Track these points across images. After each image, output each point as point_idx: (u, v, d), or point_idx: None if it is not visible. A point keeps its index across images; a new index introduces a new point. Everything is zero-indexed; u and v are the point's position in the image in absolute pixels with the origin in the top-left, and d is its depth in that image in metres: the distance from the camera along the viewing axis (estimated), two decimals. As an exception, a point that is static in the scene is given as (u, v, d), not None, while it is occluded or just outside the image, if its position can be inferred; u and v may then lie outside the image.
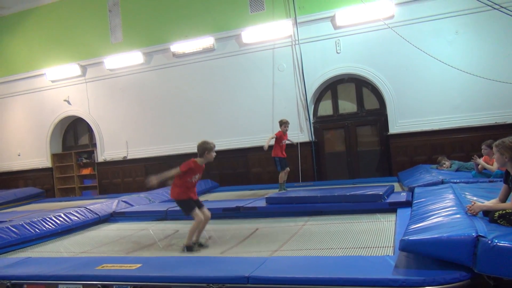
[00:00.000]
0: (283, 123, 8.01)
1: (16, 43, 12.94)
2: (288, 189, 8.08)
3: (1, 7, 13.02)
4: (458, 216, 3.44)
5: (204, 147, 4.68)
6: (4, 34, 13.08)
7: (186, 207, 4.62)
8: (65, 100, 12.26)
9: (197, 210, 4.58)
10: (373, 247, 3.95)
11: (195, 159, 4.70)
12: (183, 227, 5.98)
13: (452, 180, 6.13)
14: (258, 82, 10.23)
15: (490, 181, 5.88)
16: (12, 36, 12.99)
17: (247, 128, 10.29)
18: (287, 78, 9.96)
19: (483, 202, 3.63)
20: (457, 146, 8.73)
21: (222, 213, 6.36)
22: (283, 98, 9.99)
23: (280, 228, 5.32)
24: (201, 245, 4.67)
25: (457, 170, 7.30)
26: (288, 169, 8.17)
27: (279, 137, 7.99)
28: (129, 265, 3.60)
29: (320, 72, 9.74)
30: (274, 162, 8.10)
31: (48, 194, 12.33)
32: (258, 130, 10.16)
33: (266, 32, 10.01)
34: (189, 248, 4.54)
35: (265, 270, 3.15)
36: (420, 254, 2.99)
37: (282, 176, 8.08)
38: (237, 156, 10.45)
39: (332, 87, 10.10)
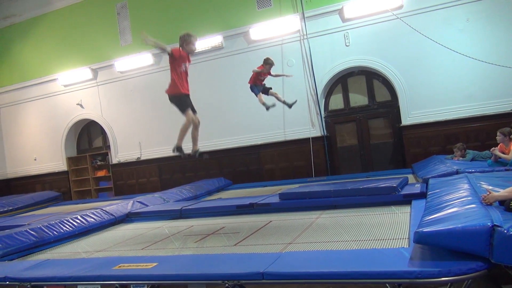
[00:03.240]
0: (268, 63, 7.61)
1: (28, 50, 13.15)
2: (301, 184, 8.06)
3: (12, 14, 13.24)
4: (473, 206, 3.40)
5: (183, 39, 4.89)
6: (17, 41, 13.30)
7: (179, 103, 4.75)
8: (77, 104, 12.43)
9: (190, 111, 4.75)
10: (388, 239, 3.93)
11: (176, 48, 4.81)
12: (198, 224, 6.04)
13: (467, 170, 6.04)
14: (268, 78, 10.18)
15: (506, 170, 5.80)
16: (24, 43, 13.20)
17: (258, 125, 10.29)
18: (297, 73, 9.92)
19: (498, 191, 3.57)
20: (471, 135, 8.60)
21: (236, 210, 6.39)
22: (293, 93, 9.94)
23: (293, 221, 5.33)
24: (201, 154, 5.03)
25: (472, 160, 7.20)
26: (273, 91, 7.91)
27: (256, 73, 7.67)
28: (145, 264, 3.65)
29: (329, 66, 9.69)
30: (251, 89, 7.83)
31: (65, 197, 12.54)
32: (269, 127, 10.16)
33: (274, 28, 9.99)
34: (178, 148, 5.02)
35: (279, 265, 3.16)
36: (435, 245, 2.96)
37: (261, 98, 7.77)
38: (250, 153, 10.47)
39: (342, 81, 10.04)
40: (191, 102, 4.95)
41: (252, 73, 7.74)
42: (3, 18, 13.41)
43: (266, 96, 7.90)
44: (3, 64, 13.57)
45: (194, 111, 4.91)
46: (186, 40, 4.77)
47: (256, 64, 10.23)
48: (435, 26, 8.72)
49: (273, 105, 7.86)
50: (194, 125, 4.77)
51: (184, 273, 3.35)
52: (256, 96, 7.84)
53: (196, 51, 5.17)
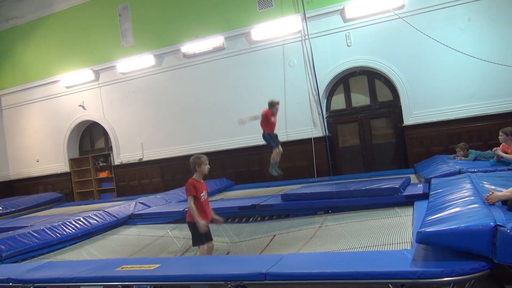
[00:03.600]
0: (274, 105, 7.64)
1: (31, 51, 13.18)
2: (304, 184, 8.05)
3: (14, 16, 13.28)
4: (476, 206, 3.39)
5: (194, 162, 4.66)
6: (19, 43, 13.33)
7: (195, 235, 4.47)
8: (80, 105, 12.45)
9: (204, 246, 4.48)
10: (391, 244, 3.91)
11: (192, 178, 4.66)
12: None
13: (469, 170, 6.02)
14: (269, 78, 10.22)
15: (509, 169, 5.78)
16: (26, 45, 13.24)
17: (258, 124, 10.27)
18: (299, 74, 9.92)
19: (501, 191, 3.56)
20: (474, 135, 8.58)
21: (238, 211, 6.39)
22: (295, 94, 9.96)
23: (296, 233, 5.24)
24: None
25: (474, 160, 7.18)
26: (281, 149, 7.86)
27: (265, 116, 7.61)
28: (148, 265, 3.65)
29: (331, 66, 9.68)
30: (263, 137, 7.79)
31: (67, 198, 12.55)
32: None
33: (275, 29, 9.99)
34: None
35: (282, 266, 3.16)
36: (437, 245, 2.96)
37: (274, 156, 7.78)
38: (252, 154, 10.46)
39: (344, 81, 10.03)
40: (209, 231, 4.73)
41: (261, 121, 7.69)
42: (5, 20, 13.45)
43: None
44: (6, 66, 13.61)
45: (210, 238, 4.64)
46: (197, 163, 4.61)
47: (259, 64, 10.32)
48: (437, 26, 8.71)
49: (280, 174, 8.12)
50: (208, 252, 4.58)
51: (186, 273, 3.35)
52: (273, 147, 7.80)
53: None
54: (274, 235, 5.37)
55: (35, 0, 12.88)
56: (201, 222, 4.37)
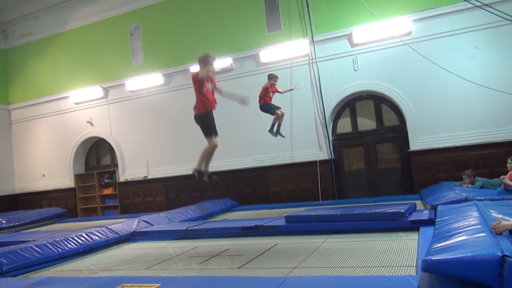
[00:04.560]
0: (272, 77, 7.74)
1: (42, 68, 13.42)
2: (308, 207, 7.99)
3: (28, 33, 13.58)
4: (482, 234, 3.34)
5: (202, 59, 5.02)
6: (32, 59, 13.60)
7: (206, 125, 4.64)
8: (88, 122, 12.58)
9: (213, 139, 4.70)
10: (395, 266, 3.86)
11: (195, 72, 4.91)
12: (203, 245, 5.99)
13: (476, 198, 5.97)
14: (276, 100, 10.22)
15: (516, 198, 5.72)
16: (38, 61, 13.49)
17: (266, 146, 10.31)
18: (305, 96, 9.99)
19: (508, 220, 3.51)
20: (481, 162, 8.52)
21: (241, 232, 6.34)
22: (301, 116, 10.00)
23: (299, 245, 5.27)
24: (210, 177, 5.07)
25: (481, 187, 7.11)
26: (283, 111, 7.84)
27: (264, 89, 7.74)
28: (148, 284, 3.61)
29: (338, 90, 9.74)
30: (261, 109, 7.86)
31: (71, 214, 12.54)
32: (277, 149, 10.17)
33: (283, 52, 10.12)
34: (199, 172, 5.02)
35: (284, 290, 3.11)
36: (443, 274, 2.90)
37: (277, 117, 7.80)
38: (257, 175, 10.45)
39: (350, 105, 10.07)
40: (214, 125, 4.93)
41: (261, 91, 7.80)
42: (19, 37, 13.76)
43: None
44: (17, 81, 13.85)
45: (216, 134, 4.88)
46: (204, 61, 4.81)
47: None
48: (444, 53, 8.78)
49: (282, 136, 7.97)
50: (214, 148, 4.79)
51: (187, 295, 3.30)
52: (273, 114, 7.85)
53: (215, 70, 5.38)
54: (276, 244, 5.36)
55: (49, 18, 13.19)
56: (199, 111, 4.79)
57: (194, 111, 5.28)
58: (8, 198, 13.46)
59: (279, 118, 7.87)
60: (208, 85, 5.17)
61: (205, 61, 4.78)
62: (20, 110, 13.74)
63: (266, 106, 7.78)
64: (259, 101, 7.86)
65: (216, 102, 5.29)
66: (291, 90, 8.74)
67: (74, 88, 12.75)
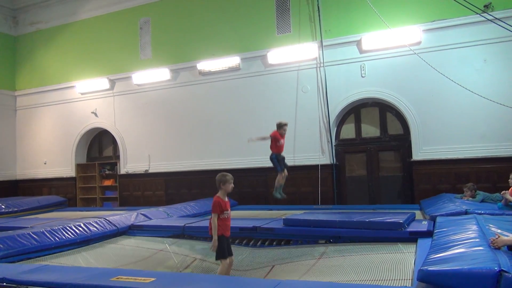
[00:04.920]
0: (282, 126, 7.55)
1: (51, 56, 13.46)
2: (307, 211, 7.98)
3: (39, 21, 13.63)
4: (480, 248, 3.33)
5: (220, 180, 4.71)
6: (40, 47, 13.64)
7: (220, 247, 4.52)
8: (92, 112, 12.60)
9: (227, 260, 4.53)
10: (391, 280, 3.84)
11: (217, 196, 4.71)
12: (200, 242, 5.99)
13: (476, 211, 5.95)
14: (282, 102, 10.28)
15: (516, 214, 5.69)
16: (47, 49, 13.53)
17: (268, 148, 10.24)
18: (311, 100, 9.97)
19: (508, 236, 3.50)
20: (483, 176, 8.49)
21: (238, 232, 6.33)
22: (305, 120, 9.99)
23: (297, 262, 5.12)
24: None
25: (482, 201, 7.08)
26: (286, 172, 7.74)
27: (273, 137, 7.53)
28: (143, 278, 3.61)
29: (344, 95, 9.73)
30: (270, 160, 7.64)
31: (70, 203, 12.57)
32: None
33: (291, 54, 10.11)
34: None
35: (278, 292, 3.10)
36: (439, 285, 2.89)
37: (279, 179, 7.69)
38: (257, 175, 10.44)
39: (355, 111, 10.05)
40: (229, 243, 4.83)
41: (271, 142, 7.58)
42: (29, 24, 13.80)
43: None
44: (25, 68, 13.89)
45: (231, 253, 4.74)
46: (222, 181, 4.73)
47: (272, 87, 10.41)
48: (452, 64, 8.75)
49: (284, 197, 7.86)
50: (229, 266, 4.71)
51: (181, 291, 3.30)
52: (279, 171, 7.66)
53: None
54: (273, 266, 5.23)
55: (60, 8, 13.23)
56: (215, 245, 4.46)
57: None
58: (9, 183, 13.50)
59: (281, 180, 7.75)
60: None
61: (220, 180, 4.75)
62: (26, 97, 13.78)
63: (276, 160, 7.59)
64: (271, 149, 7.59)
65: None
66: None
67: (80, 79, 12.78)
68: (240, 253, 5.59)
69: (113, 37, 12.43)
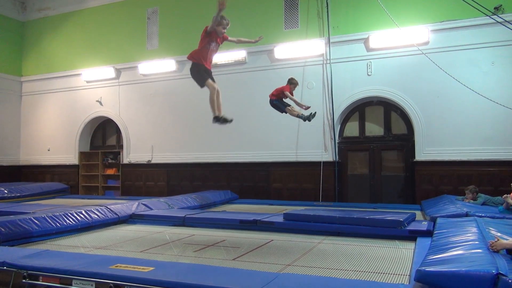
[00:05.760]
0: (293, 83, 7.91)
1: (57, 43, 13.48)
2: (308, 207, 8.00)
3: (47, 7, 13.64)
4: (479, 251, 3.33)
5: (215, 20, 5.27)
6: (47, 34, 13.66)
7: (198, 75, 5.05)
8: (97, 101, 12.63)
9: (209, 80, 4.99)
10: (388, 274, 3.86)
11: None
12: (199, 233, 6.03)
13: (477, 214, 5.95)
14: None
15: (517, 218, 5.68)
16: (54, 36, 13.55)
17: (272, 143, 10.31)
18: (316, 97, 9.96)
19: (507, 240, 3.50)
20: (485, 179, 8.47)
21: (239, 225, 6.36)
22: (309, 116, 9.96)
23: (295, 243, 5.29)
24: (225, 120, 5.48)
25: (483, 204, 7.07)
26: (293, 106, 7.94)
27: (281, 90, 7.83)
28: (142, 267, 3.64)
29: (349, 93, 9.70)
30: (275, 106, 7.92)
31: (72, 190, 12.65)
32: (282, 146, 10.17)
33: (298, 50, 10.08)
34: (216, 118, 5.54)
35: (275, 285, 3.12)
36: (436, 286, 2.90)
37: (290, 109, 7.89)
38: (259, 170, 10.46)
39: (360, 109, 10.03)
40: (210, 73, 5.33)
41: (278, 89, 7.88)
42: (38, 10, 13.81)
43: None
44: (31, 54, 13.92)
45: (213, 80, 5.28)
46: (218, 21, 5.05)
47: (277, 82, 10.35)
48: (460, 66, 8.70)
49: (313, 114, 7.85)
50: (217, 92, 5.22)
51: (179, 281, 3.32)
52: (282, 111, 7.97)
53: (223, 32, 5.62)
54: (271, 240, 5.40)
55: (68, -6, 13.24)
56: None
57: (190, 54, 5.89)
58: (12, 168, 13.59)
59: (294, 110, 7.94)
60: (212, 45, 5.63)
61: (218, 20, 4.98)
62: (31, 83, 13.82)
63: (278, 103, 7.86)
64: (272, 96, 7.88)
65: (211, 65, 5.72)
66: (304, 107, 8.12)
67: (86, 67, 12.80)
68: (241, 234, 5.70)
69: (120, 26, 12.43)
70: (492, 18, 7.89)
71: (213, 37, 5.40)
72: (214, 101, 5.53)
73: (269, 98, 7.99)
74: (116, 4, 12.54)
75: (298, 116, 7.93)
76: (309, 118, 7.86)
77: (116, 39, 12.47)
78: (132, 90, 12.23)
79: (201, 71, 5.08)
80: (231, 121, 5.73)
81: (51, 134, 13.38)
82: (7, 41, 13.65)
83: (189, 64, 11.31)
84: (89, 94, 12.83)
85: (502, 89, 8.42)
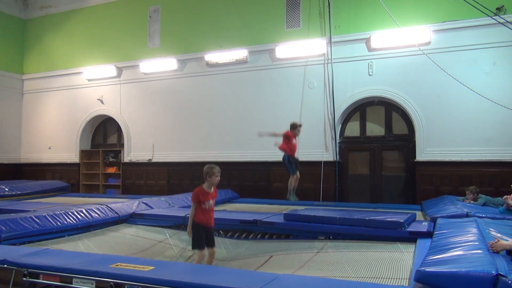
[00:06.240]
0: (296, 127, 7.59)
1: (59, 41, 13.49)
2: (308, 207, 8.00)
3: (49, 5, 13.64)
4: (479, 251, 3.33)
5: (206, 172, 4.66)
6: (49, 31, 13.66)
7: (196, 236, 4.51)
8: (98, 99, 12.64)
9: (203, 251, 4.51)
10: (389, 278, 3.85)
11: (201, 186, 4.68)
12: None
13: (477, 214, 5.94)
14: (288, 97, 10.26)
15: (518, 219, 5.67)
16: (55, 34, 13.55)
17: (272, 142, 10.24)
18: (317, 96, 9.95)
19: (507, 240, 3.50)
20: (485, 180, 8.46)
21: (239, 225, 6.36)
22: (311, 116, 9.96)
23: (295, 255, 5.18)
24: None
25: (483, 205, 7.06)
26: (298, 175, 7.73)
27: (286, 137, 7.54)
28: (142, 266, 3.64)
29: (350, 93, 9.69)
30: (283, 161, 7.63)
31: (73, 188, 12.65)
32: (283, 145, 10.14)
33: (299, 49, 10.07)
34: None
35: (275, 285, 3.12)
36: (436, 287, 2.90)
37: (292, 181, 7.70)
38: (260, 169, 10.46)
39: (361, 109, 10.02)
40: (211, 234, 4.78)
41: (283, 140, 7.54)
42: (39, 8, 13.82)
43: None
44: (33, 52, 13.93)
45: (210, 243, 4.68)
46: (209, 174, 4.67)
47: (279, 81, 10.39)
48: (461, 66, 8.69)
49: (297, 200, 7.96)
50: (210, 257, 4.64)
51: (179, 280, 3.33)
52: (291, 174, 7.64)
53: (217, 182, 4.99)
54: (271, 256, 5.30)
55: (70, -8, 13.24)
56: (189, 230, 4.50)
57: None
58: (13, 166, 13.60)
59: (293, 182, 7.75)
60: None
61: (208, 172, 4.68)
62: (33, 81, 13.83)
63: (288, 162, 7.56)
64: (283, 149, 7.56)
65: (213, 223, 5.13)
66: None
67: (88, 65, 12.80)
68: (240, 246, 5.62)
69: (121, 24, 12.43)
70: (494, 19, 7.88)
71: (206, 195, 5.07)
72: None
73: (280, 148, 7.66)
74: (118, 2, 12.53)
75: (288, 194, 7.86)
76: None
77: (117, 37, 12.48)
78: (133, 88, 12.23)
79: (200, 234, 4.76)
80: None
81: (52, 132, 13.39)
82: (9, 39, 13.66)
83: (190, 62, 11.45)
84: (90, 92, 12.83)
85: (503, 89, 8.40)
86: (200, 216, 4.56)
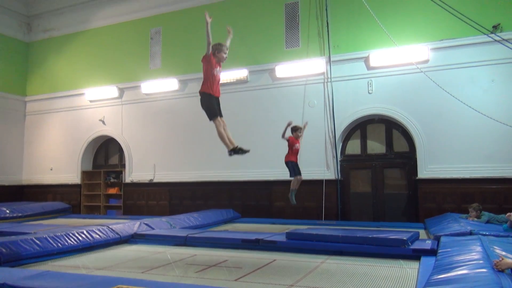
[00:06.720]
0: (297, 129, 7.80)
1: (62, 63, 13.65)
2: (310, 226, 7.95)
3: (52, 28, 13.87)
4: (483, 270, 3.30)
5: (215, 48, 5.39)
6: (52, 54, 13.84)
7: (209, 107, 5.13)
8: (100, 120, 12.71)
9: (218, 119, 5.13)
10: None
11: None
12: (201, 253, 5.98)
13: (481, 232, 5.89)
14: (288, 116, 10.21)
15: (522, 237, 5.62)
16: (58, 56, 13.73)
17: (273, 161, 10.26)
18: (317, 115, 9.99)
19: (512, 258, 3.47)
20: (488, 196, 8.41)
21: (241, 244, 6.32)
22: (311, 134, 9.96)
23: (298, 263, 5.23)
24: (242, 151, 5.41)
25: (487, 222, 7.01)
26: (301, 177, 7.86)
27: (291, 142, 7.75)
28: (144, 287, 3.60)
29: (350, 111, 9.74)
30: (289, 167, 7.88)
31: (74, 210, 12.61)
32: (283, 164, 10.06)
33: (299, 68, 10.17)
34: (232, 151, 5.41)
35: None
36: (441, 307, 2.87)
37: (294, 182, 7.83)
38: (261, 188, 10.43)
39: (361, 127, 10.05)
40: (219, 107, 5.39)
41: (288, 149, 7.78)
42: (43, 31, 14.04)
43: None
44: (36, 74, 14.08)
45: (221, 115, 5.36)
46: (218, 49, 5.15)
47: (279, 100, 10.45)
48: (460, 84, 8.75)
49: (294, 203, 7.98)
50: (224, 128, 5.24)
51: (181, 302, 3.29)
52: (294, 176, 7.80)
53: (225, 57, 5.55)
54: (275, 259, 5.31)
55: (73, 15, 13.46)
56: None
57: (201, 88, 5.68)
58: (14, 188, 13.58)
59: (296, 184, 7.88)
60: (217, 70, 5.51)
61: (218, 48, 5.06)
62: (35, 102, 13.94)
63: (292, 165, 7.77)
64: (291, 158, 7.80)
65: (219, 93, 5.61)
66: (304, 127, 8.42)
67: (90, 86, 12.92)
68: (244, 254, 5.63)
69: (123, 46, 12.59)
70: (490, 37, 7.98)
71: (214, 64, 5.38)
72: (223, 135, 5.38)
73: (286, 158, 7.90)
74: (120, 25, 12.74)
75: (290, 193, 7.94)
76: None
77: (119, 59, 12.63)
78: (135, 109, 12.32)
79: (213, 104, 5.00)
80: (248, 151, 5.51)
81: (54, 154, 13.41)
82: (12, 61, 13.84)
83: (191, 83, 11.56)
84: (92, 113, 12.92)
85: (502, 106, 8.44)
86: (206, 84, 5.22)
